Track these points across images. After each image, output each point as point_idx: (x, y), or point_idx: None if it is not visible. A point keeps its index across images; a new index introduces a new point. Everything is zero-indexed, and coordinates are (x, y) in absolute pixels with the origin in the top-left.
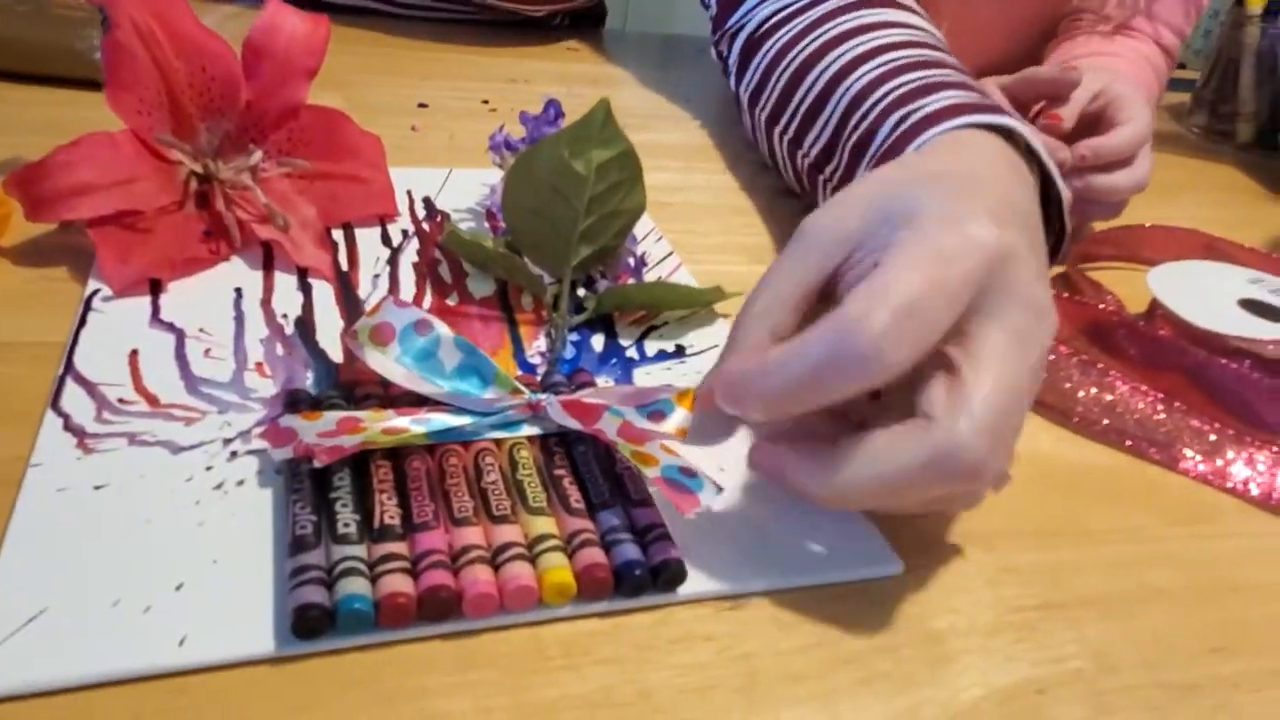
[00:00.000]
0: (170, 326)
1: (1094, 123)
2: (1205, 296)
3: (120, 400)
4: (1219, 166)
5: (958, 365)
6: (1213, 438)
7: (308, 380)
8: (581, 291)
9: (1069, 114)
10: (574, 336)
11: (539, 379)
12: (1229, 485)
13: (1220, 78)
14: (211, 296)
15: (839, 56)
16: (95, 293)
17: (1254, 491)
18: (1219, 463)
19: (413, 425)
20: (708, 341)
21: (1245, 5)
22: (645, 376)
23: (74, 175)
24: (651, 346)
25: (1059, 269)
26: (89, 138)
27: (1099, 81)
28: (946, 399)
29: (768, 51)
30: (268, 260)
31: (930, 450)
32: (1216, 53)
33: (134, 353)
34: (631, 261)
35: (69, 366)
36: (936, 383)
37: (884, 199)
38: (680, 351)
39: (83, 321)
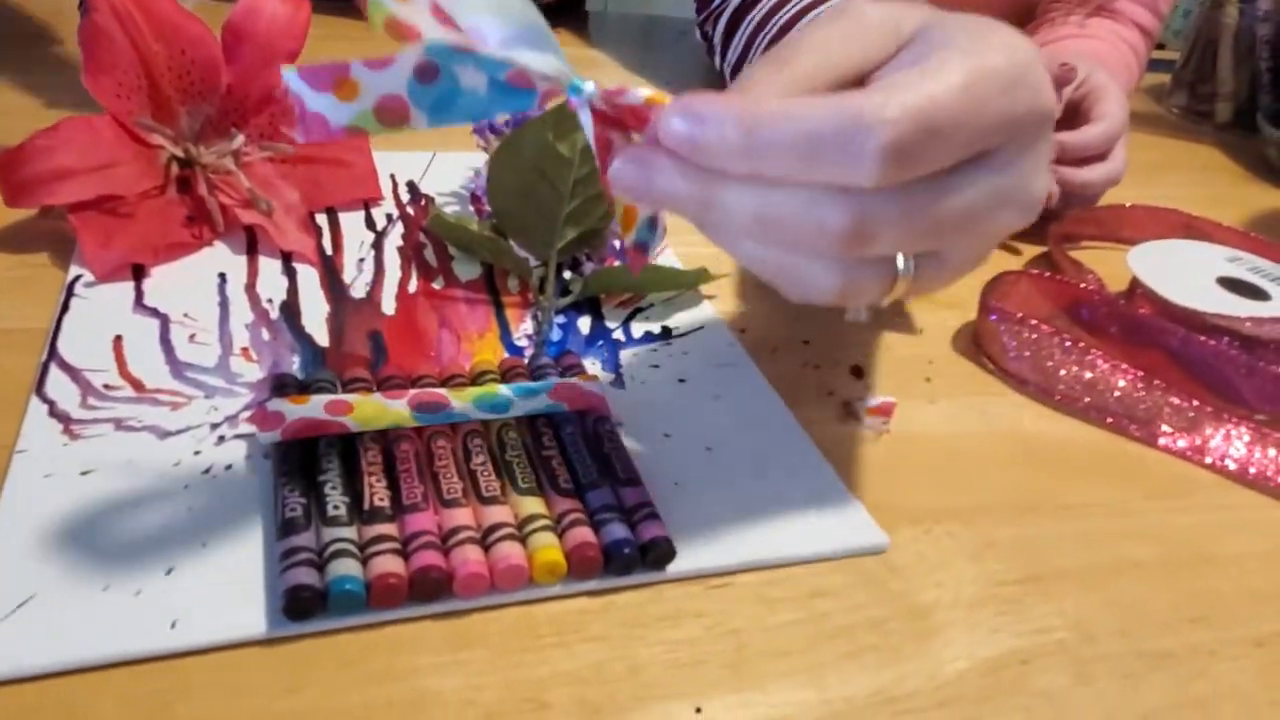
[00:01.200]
0: (154, 312)
1: (1072, 112)
2: (1184, 275)
3: (105, 386)
4: (1198, 146)
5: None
6: (1191, 414)
7: (294, 365)
8: (567, 274)
9: (1059, 106)
10: (560, 319)
11: (526, 362)
12: (1207, 460)
13: (1199, 58)
14: (195, 281)
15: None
16: (77, 278)
17: (1231, 466)
18: (1197, 439)
19: (400, 407)
20: (693, 323)
21: None
22: (632, 358)
23: (53, 160)
24: (638, 329)
25: (1041, 249)
26: (68, 122)
27: (1080, 70)
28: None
29: (749, 22)
30: (251, 245)
31: (852, 111)
32: (1195, 33)
33: (118, 338)
34: (617, 244)
35: (53, 352)
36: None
37: (937, 19)
38: (666, 334)
39: (65, 307)
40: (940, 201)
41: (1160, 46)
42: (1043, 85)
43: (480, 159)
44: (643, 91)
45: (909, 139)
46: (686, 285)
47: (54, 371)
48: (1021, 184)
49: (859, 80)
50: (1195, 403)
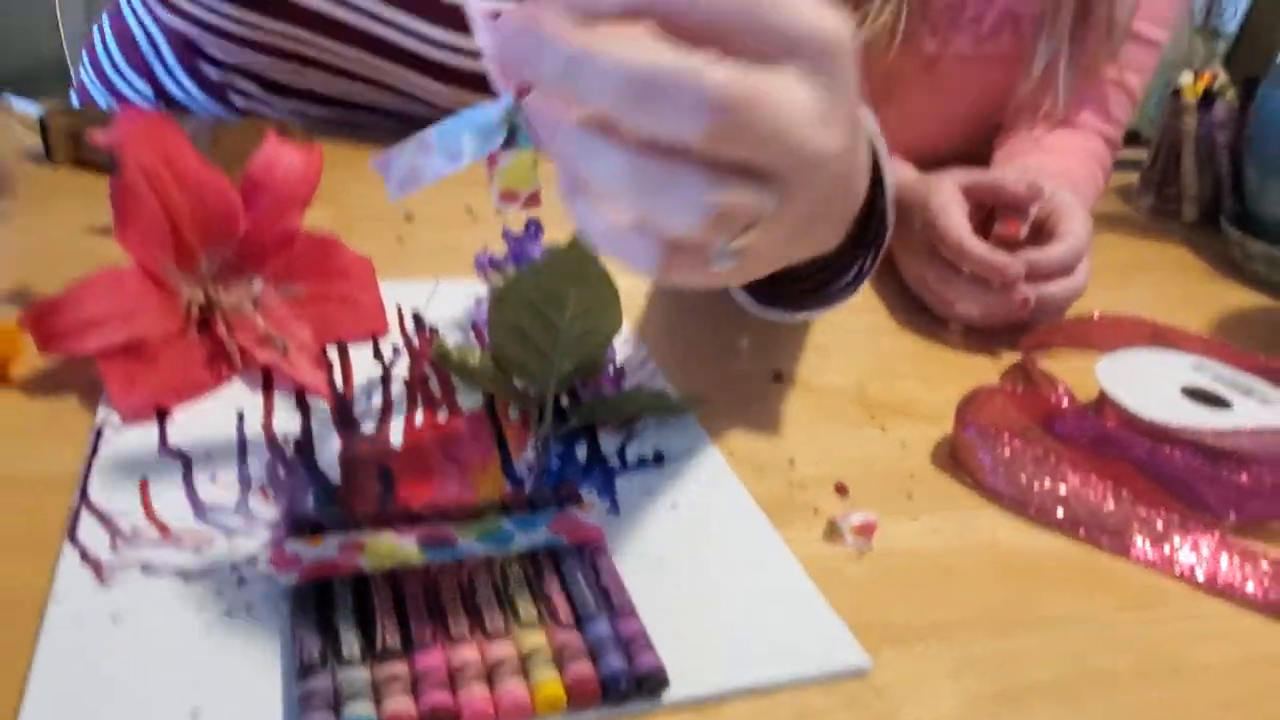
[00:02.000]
0: (177, 453)
1: (1038, 229)
2: (1150, 385)
3: (133, 529)
4: (1167, 246)
5: None
6: (1160, 525)
7: (309, 502)
8: (565, 401)
9: (1025, 225)
10: (558, 447)
11: (527, 493)
12: (1176, 571)
13: (1164, 161)
14: (215, 420)
15: None
16: (105, 422)
17: (1199, 576)
18: (1166, 549)
19: (409, 545)
20: (684, 446)
21: (1182, 95)
22: (626, 485)
23: (84, 311)
24: (632, 453)
25: (1014, 357)
26: (99, 275)
27: (1046, 189)
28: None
29: None
30: (266, 381)
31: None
32: (1159, 137)
33: (144, 481)
34: (611, 370)
35: (84, 498)
36: None
37: None
38: (659, 459)
39: (94, 451)
40: (772, 92)
41: (1134, 137)
42: (825, 13)
43: (481, 288)
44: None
45: None
46: (677, 411)
47: (85, 516)
48: (825, 104)
49: None
50: (1163, 512)
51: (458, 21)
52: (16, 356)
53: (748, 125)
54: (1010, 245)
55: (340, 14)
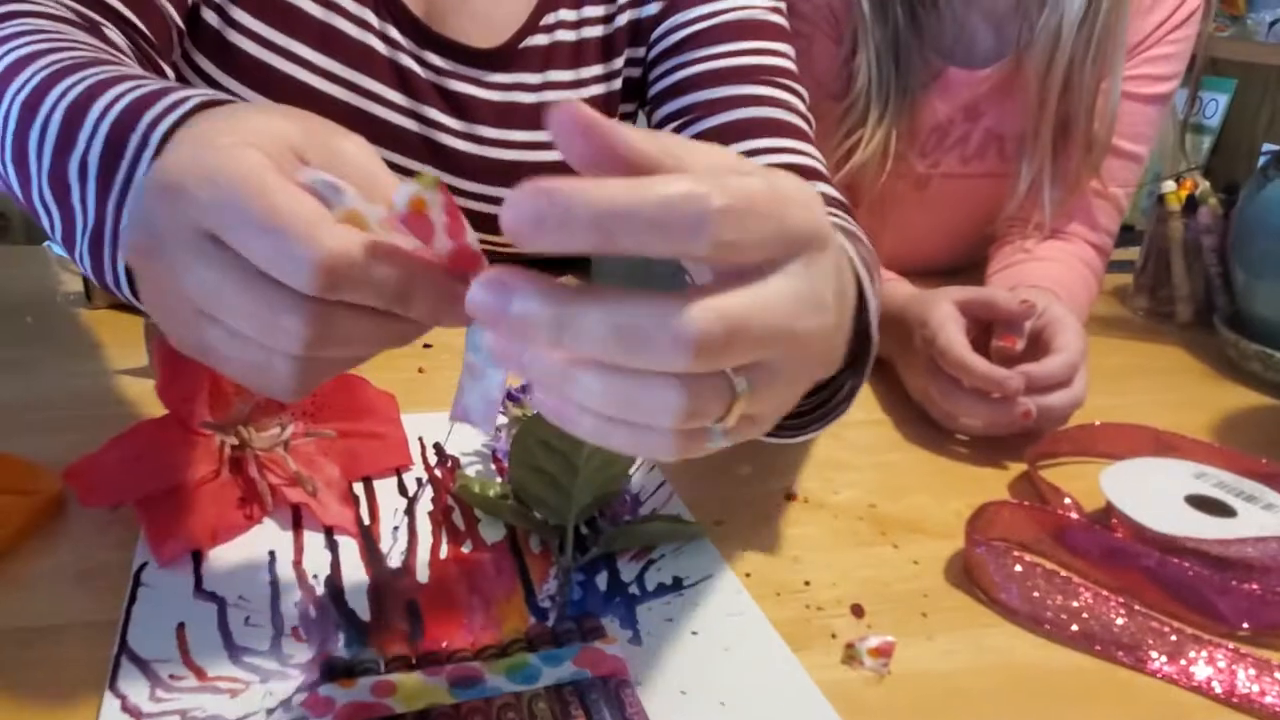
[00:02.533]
0: (212, 596)
1: (1033, 342)
2: (1155, 496)
3: (171, 676)
4: (1164, 348)
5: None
6: (1174, 638)
7: (340, 642)
8: (584, 531)
9: (1021, 339)
10: (579, 576)
11: (550, 625)
12: (1194, 684)
13: (1155, 265)
14: (247, 561)
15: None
16: (143, 567)
17: (1217, 690)
18: (1182, 662)
19: (439, 684)
20: (702, 572)
21: (1166, 202)
22: (647, 613)
23: (125, 465)
24: (652, 579)
25: (1021, 468)
26: (138, 428)
27: (1039, 302)
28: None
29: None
30: (296, 520)
31: (674, 300)
32: (1148, 242)
33: (181, 625)
34: (627, 500)
35: (123, 645)
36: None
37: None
38: (678, 584)
39: (133, 598)
40: (767, 305)
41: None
42: (812, 204)
43: (501, 418)
44: (406, 189)
45: (735, 207)
46: (692, 536)
47: (125, 664)
48: (818, 291)
49: None
50: (1176, 625)
51: (491, 174)
52: (58, 504)
53: (729, 349)
54: (1008, 358)
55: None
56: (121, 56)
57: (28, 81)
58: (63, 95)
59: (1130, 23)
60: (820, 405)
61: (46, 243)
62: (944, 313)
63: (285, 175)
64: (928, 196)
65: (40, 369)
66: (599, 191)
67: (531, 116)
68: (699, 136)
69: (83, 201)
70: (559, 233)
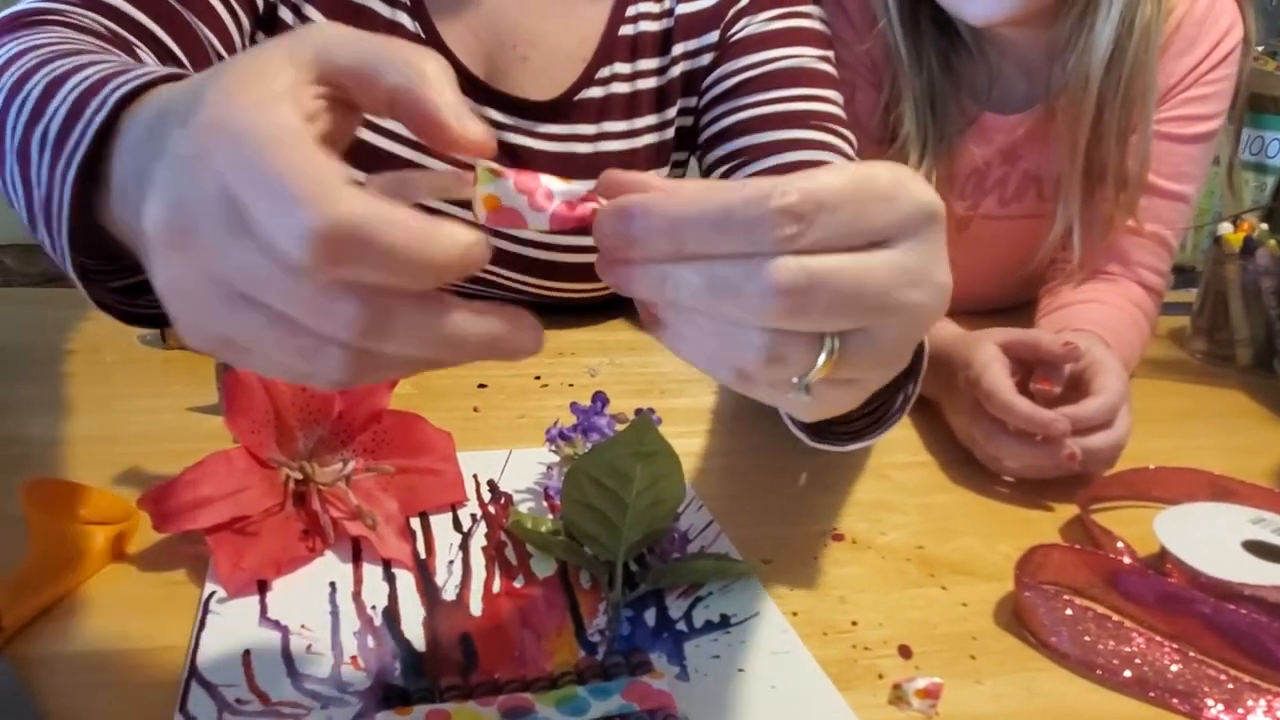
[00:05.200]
0: (276, 624)
1: (1074, 383)
2: (1211, 541)
3: (237, 700)
4: (1223, 391)
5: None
6: (1231, 686)
7: (396, 670)
8: (634, 567)
9: (1059, 382)
10: (628, 612)
11: (600, 659)
12: None
13: (1213, 306)
14: (309, 592)
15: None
16: (212, 595)
17: None
18: (1240, 711)
19: (491, 714)
20: (749, 610)
21: (1223, 244)
22: (695, 649)
23: (197, 491)
24: (699, 616)
25: (1071, 511)
26: (211, 458)
27: (1081, 344)
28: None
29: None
30: (356, 553)
31: (756, 188)
32: (1204, 286)
33: (247, 652)
34: (675, 537)
35: (193, 670)
36: None
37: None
38: (725, 622)
39: (203, 624)
40: (857, 275)
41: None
42: (921, 189)
43: (551, 456)
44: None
45: (800, 206)
46: (740, 575)
47: (194, 688)
48: (925, 267)
49: None
50: (1233, 673)
51: (530, 164)
52: (132, 533)
53: (811, 306)
54: (1048, 401)
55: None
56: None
57: (22, 66)
58: (48, 74)
59: (1164, 66)
60: (873, 411)
61: None
62: (989, 354)
63: (306, 126)
64: (969, 238)
65: (117, 405)
66: (667, 202)
67: (587, 166)
68: None
69: (38, 170)
70: (642, 244)
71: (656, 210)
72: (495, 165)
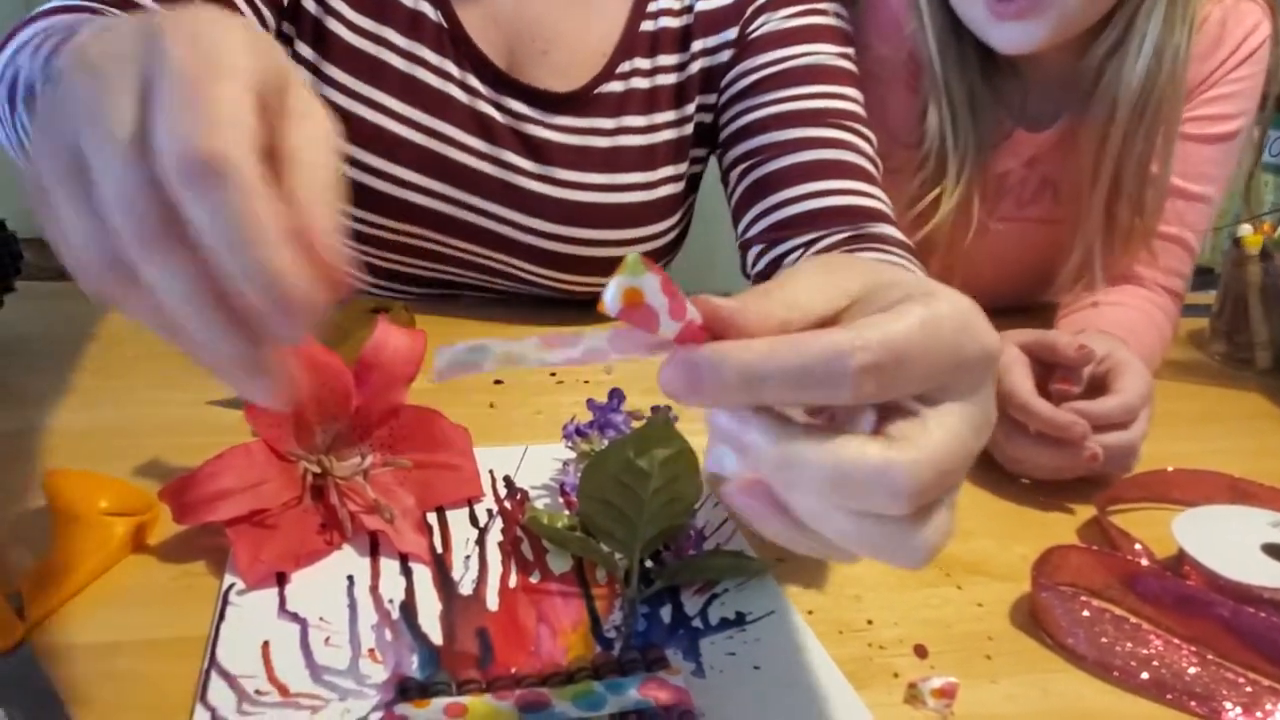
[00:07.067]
0: (295, 616)
1: (1097, 385)
2: (1229, 543)
3: (257, 691)
4: (1243, 394)
5: (918, 412)
6: (1249, 689)
7: (414, 664)
8: (649, 564)
9: (1079, 384)
10: (644, 609)
11: (616, 655)
12: None
13: (1231, 309)
14: (327, 585)
15: None
16: (231, 587)
17: None
18: (1258, 714)
19: (508, 707)
20: (765, 607)
21: (1243, 245)
22: (710, 646)
23: (217, 484)
24: (715, 614)
25: (1089, 513)
26: (230, 451)
27: (1103, 347)
28: (908, 427)
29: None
30: (373, 547)
31: (885, 460)
32: (1224, 288)
33: (266, 644)
34: (692, 534)
35: (213, 660)
36: (895, 413)
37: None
38: (741, 619)
39: (222, 616)
40: (953, 449)
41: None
42: (985, 329)
43: (568, 452)
44: (615, 285)
45: (880, 362)
46: (755, 573)
47: (214, 679)
48: (987, 417)
49: (825, 323)
50: (1252, 676)
51: (565, 216)
52: (153, 525)
53: (937, 490)
54: (1066, 402)
55: (460, 214)
56: None
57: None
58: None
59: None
60: None
61: None
62: (1010, 356)
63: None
64: (985, 242)
65: (138, 398)
66: (741, 355)
67: (605, 160)
68: (767, 177)
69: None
70: (712, 396)
71: (730, 363)
72: (642, 256)
